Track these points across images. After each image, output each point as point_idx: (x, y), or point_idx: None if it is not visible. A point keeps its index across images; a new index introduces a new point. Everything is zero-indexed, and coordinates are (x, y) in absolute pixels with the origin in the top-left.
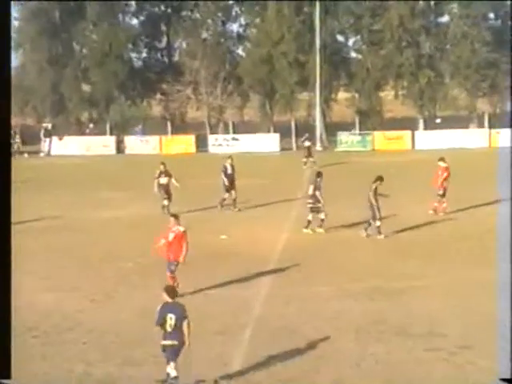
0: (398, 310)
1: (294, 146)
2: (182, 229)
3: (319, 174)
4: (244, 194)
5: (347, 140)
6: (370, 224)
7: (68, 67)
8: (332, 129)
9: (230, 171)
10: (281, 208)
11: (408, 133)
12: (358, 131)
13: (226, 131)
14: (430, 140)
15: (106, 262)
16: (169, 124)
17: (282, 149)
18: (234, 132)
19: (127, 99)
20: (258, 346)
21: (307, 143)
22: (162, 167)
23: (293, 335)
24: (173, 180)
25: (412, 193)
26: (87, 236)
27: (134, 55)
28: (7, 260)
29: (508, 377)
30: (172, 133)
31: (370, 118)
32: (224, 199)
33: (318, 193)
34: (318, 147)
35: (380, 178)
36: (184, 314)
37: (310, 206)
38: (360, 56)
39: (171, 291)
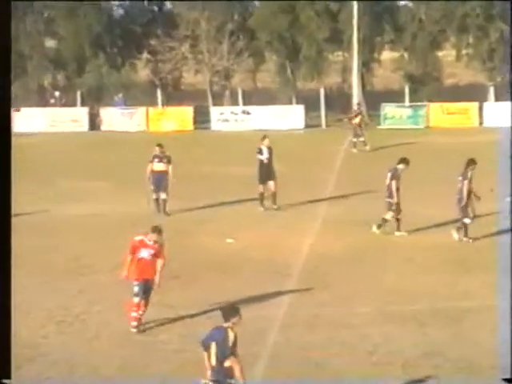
0: (459, 338)
1: (323, 121)
2: (159, 243)
3: (403, 161)
4: (256, 186)
5: (394, 114)
6: (463, 225)
7: (27, 17)
8: (374, 100)
9: (266, 155)
10: (305, 205)
11: (474, 105)
12: (408, 103)
13: (234, 102)
14: (503, 114)
15: (78, 273)
16: (159, 92)
17: (308, 125)
18: (245, 103)
19: (104, 59)
20: (276, 383)
21: (356, 119)
22: (157, 149)
23: (319, 370)
24: (170, 169)
25: (484, 186)
26: (54, 239)
27: (113, 2)
28: (7, 260)
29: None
30: (163, 104)
31: (424, 86)
32: (262, 194)
33: (393, 184)
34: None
35: (473, 162)
36: (227, 340)
37: (388, 200)
38: (410, 4)
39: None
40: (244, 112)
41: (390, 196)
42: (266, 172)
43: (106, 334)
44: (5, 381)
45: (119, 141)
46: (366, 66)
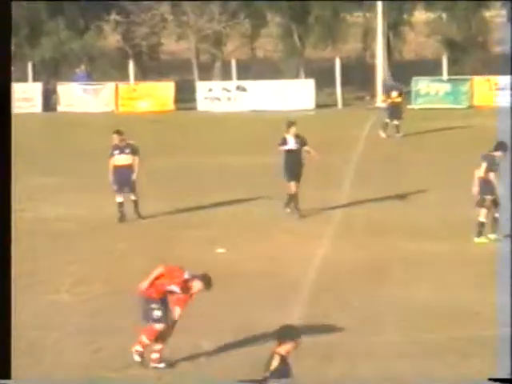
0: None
1: (339, 99)
2: (197, 286)
3: (501, 146)
4: (256, 181)
5: (428, 90)
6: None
7: None
8: (403, 72)
9: (293, 146)
10: (316, 205)
11: None
12: (446, 76)
13: (227, 76)
14: None
15: (31, 291)
16: (131, 64)
17: (320, 105)
18: (240, 77)
19: (63, 22)
20: None
21: (394, 93)
22: (116, 138)
23: None
24: (136, 162)
25: None
26: None
27: None
28: (7, 260)
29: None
30: (136, 78)
31: (467, 55)
32: (293, 195)
33: (491, 176)
34: (380, 102)
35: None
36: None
37: (488, 197)
38: None
39: None
40: (239, 88)
41: (490, 192)
42: (295, 167)
43: (63, 368)
44: (5, 381)
45: (81, 124)
46: (394, 29)
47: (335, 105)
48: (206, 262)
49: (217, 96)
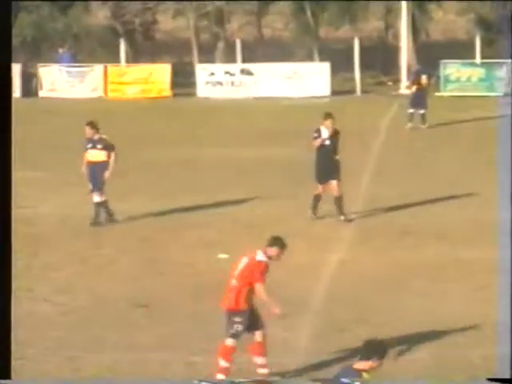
0: None
1: (358, 85)
2: (261, 257)
3: None
4: (261, 177)
5: (459, 76)
6: None
7: None
8: (431, 55)
9: (327, 141)
10: (332, 204)
11: None
12: (479, 60)
13: (230, 58)
14: None
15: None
16: (122, 43)
17: (336, 91)
18: (246, 60)
19: None
20: None
21: (424, 79)
22: (88, 131)
23: None
24: (112, 158)
25: None
26: None
27: None
28: (7, 259)
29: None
30: (128, 59)
31: (504, 36)
32: (318, 196)
33: None
34: (404, 89)
35: None
36: None
37: None
38: None
39: None
40: (244, 72)
41: None
42: (329, 166)
43: None
44: (5, 381)
45: (64, 112)
46: (420, 6)
47: (353, 91)
48: (204, 269)
49: (219, 80)
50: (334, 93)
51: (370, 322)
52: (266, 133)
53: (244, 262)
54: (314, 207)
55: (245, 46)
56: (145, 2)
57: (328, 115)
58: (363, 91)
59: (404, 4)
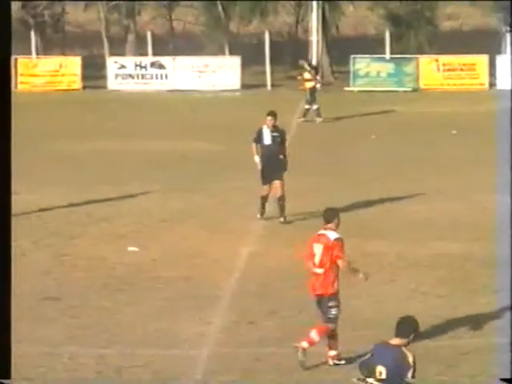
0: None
1: (268, 79)
2: (334, 235)
3: None
4: (174, 170)
5: (369, 71)
6: None
7: None
8: (341, 50)
9: (267, 141)
10: (242, 196)
11: (483, 59)
12: (389, 55)
13: (142, 51)
14: None
15: None
16: (32, 35)
17: (247, 85)
18: (157, 53)
19: None
20: None
21: (307, 75)
22: None
23: None
24: None
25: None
26: None
27: None
28: (7, 259)
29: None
30: (39, 52)
31: (413, 31)
32: (265, 197)
33: None
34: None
35: None
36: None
37: None
38: None
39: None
40: (155, 65)
41: None
42: (272, 166)
43: None
44: (5, 381)
45: None
46: (331, 0)
47: (264, 85)
48: (114, 263)
49: (130, 73)
50: (245, 86)
51: (279, 315)
52: (178, 126)
53: (319, 248)
54: (262, 208)
55: (156, 39)
56: None
57: (270, 113)
58: (273, 85)
59: None
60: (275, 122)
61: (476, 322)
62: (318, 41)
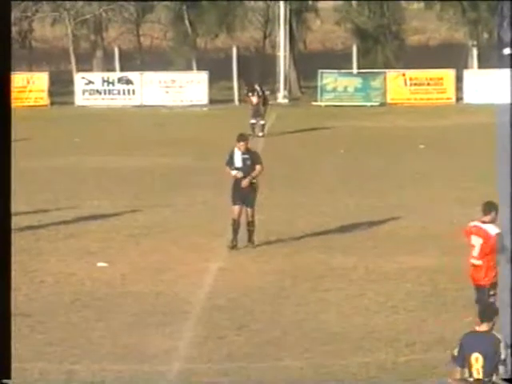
0: None
1: (235, 94)
2: (495, 230)
3: None
4: (140, 186)
5: (336, 85)
6: None
7: None
8: (308, 64)
9: (238, 163)
10: (209, 211)
11: (450, 73)
12: (356, 70)
13: (109, 66)
14: (489, 86)
15: None
16: None
17: (214, 100)
18: (124, 68)
19: None
20: None
21: (255, 93)
22: None
23: None
24: None
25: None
26: None
27: None
28: (7, 259)
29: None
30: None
31: (380, 45)
32: (235, 221)
33: None
34: (282, 98)
35: None
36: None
37: None
38: None
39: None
40: (122, 81)
41: None
42: (243, 189)
43: None
44: (5, 381)
45: None
46: (298, 16)
47: (232, 100)
48: (83, 279)
49: (97, 89)
50: (213, 101)
51: (248, 329)
52: (146, 141)
53: (478, 241)
54: (234, 238)
55: (123, 55)
56: (22, 10)
57: (240, 137)
58: (241, 100)
59: (281, 13)
60: (247, 145)
61: (445, 335)
62: (285, 56)
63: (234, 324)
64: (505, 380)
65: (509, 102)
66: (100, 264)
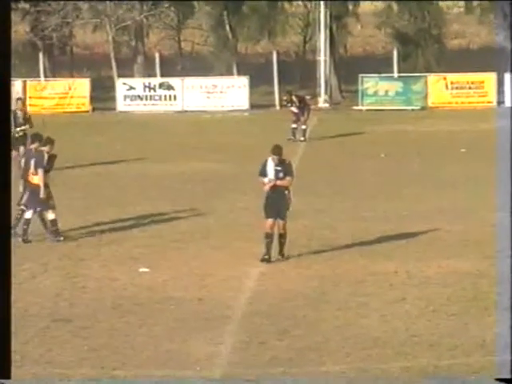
0: None
1: (276, 99)
2: None
3: None
4: (182, 192)
5: (377, 89)
6: None
7: None
8: (349, 69)
9: (270, 175)
10: (252, 218)
11: (491, 77)
12: (397, 73)
13: (150, 72)
14: None
15: None
16: (41, 58)
17: (255, 105)
18: (165, 74)
19: None
20: None
21: (293, 104)
22: (18, 111)
23: None
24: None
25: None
26: None
27: None
28: (7, 260)
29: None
30: (47, 74)
31: (421, 50)
32: (269, 234)
33: None
34: (323, 102)
35: None
36: None
37: None
38: None
39: None
40: (163, 86)
41: None
42: (275, 201)
43: None
44: (5, 381)
45: None
46: (338, 20)
47: (272, 105)
48: (125, 285)
49: (139, 95)
50: (253, 106)
51: (289, 335)
52: (187, 147)
53: None
54: (267, 253)
55: (164, 60)
56: (63, 17)
57: (275, 149)
58: (282, 105)
59: (322, 18)
60: (281, 157)
61: (487, 339)
62: (325, 60)
63: (276, 329)
64: (505, 380)
65: None
66: (142, 269)
